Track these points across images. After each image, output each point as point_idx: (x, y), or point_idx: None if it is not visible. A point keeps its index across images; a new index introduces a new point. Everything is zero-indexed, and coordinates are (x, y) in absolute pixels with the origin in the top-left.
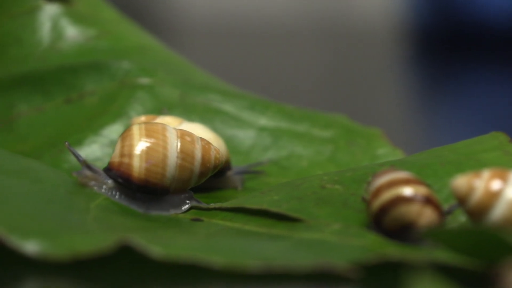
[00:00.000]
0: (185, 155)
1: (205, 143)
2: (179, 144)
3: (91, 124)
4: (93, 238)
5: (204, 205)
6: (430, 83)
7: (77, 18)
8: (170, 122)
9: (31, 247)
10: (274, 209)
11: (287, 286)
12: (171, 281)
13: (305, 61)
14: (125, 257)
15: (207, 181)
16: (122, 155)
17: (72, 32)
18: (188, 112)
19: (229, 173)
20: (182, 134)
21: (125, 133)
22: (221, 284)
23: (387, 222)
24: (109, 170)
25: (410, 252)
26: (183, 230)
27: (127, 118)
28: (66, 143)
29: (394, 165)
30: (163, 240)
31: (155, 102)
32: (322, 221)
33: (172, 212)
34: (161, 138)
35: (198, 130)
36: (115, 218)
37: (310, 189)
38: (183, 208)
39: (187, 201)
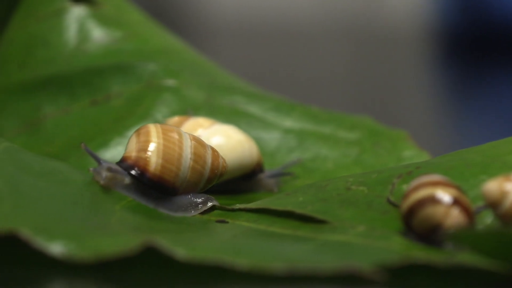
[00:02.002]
0: (197, 157)
1: (214, 150)
2: (192, 146)
3: (117, 126)
4: (118, 239)
5: (217, 204)
6: (457, 84)
7: (103, 20)
8: (202, 123)
9: (56, 248)
10: (299, 210)
11: None
12: (196, 283)
13: (331, 63)
14: (150, 258)
15: (238, 183)
16: (139, 150)
17: (98, 34)
18: (213, 114)
19: (262, 176)
20: (194, 138)
21: (141, 130)
22: (246, 286)
23: (415, 224)
24: (123, 162)
25: (435, 254)
26: (208, 231)
27: (152, 120)
28: (82, 144)
29: (420, 167)
30: (188, 241)
31: (181, 104)
32: (347, 223)
33: (194, 212)
34: (177, 137)
35: (230, 131)
36: (140, 220)
37: (335, 191)
38: (201, 208)
39: (207, 203)
